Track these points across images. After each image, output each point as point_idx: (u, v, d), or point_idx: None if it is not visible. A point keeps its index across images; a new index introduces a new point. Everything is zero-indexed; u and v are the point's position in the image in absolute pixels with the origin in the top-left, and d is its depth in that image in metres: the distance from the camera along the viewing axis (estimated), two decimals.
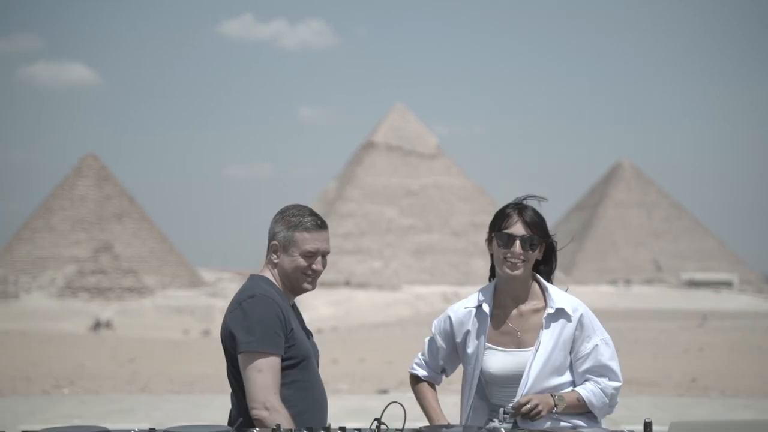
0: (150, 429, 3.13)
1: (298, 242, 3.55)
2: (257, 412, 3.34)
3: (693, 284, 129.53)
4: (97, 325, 63.85)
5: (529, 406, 3.45)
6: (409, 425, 3.42)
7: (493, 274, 3.76)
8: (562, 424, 3.50)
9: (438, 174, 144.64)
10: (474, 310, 3.69)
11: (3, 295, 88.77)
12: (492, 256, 3.68)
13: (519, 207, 3.66)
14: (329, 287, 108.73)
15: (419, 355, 3.91)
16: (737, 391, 16.68)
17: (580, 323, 3.57)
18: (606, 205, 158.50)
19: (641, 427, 3.27)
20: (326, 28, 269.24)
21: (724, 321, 53.10)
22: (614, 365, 3.58)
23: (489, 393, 3.66)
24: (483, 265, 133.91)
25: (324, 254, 3.60)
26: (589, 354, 3.57)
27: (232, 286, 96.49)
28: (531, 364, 3.54)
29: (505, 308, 3.65)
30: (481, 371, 3.63)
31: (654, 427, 3.22)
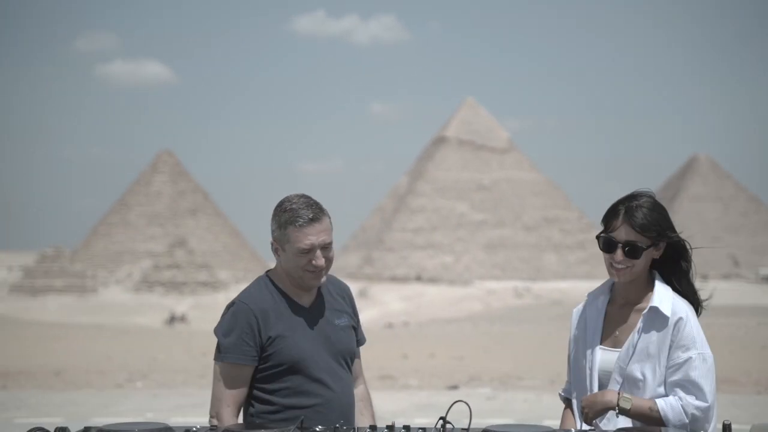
0: (211, 427, 3.09)
1: (291, 240, 3.37)
2: (209, 420, 3.40)
3: None
4: (172, 319, 64.74)
5: (582, 404, 3.31)
6: (475, 423, 3.29)
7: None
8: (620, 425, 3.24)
9: (509, 168, 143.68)
10: (592, 303, 3.50)
11: (81, 289, 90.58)
12: None
13: (628, 206, 3.32)
14: (401, 282, 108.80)
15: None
16: None
17: (678, 329, 3.26)
18: (682, 198, 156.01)
19: (720, 427, 3.11)
20: (397, 23, 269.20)
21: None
22: (705, 384, 3.23)
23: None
24: (555, 260, 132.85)
25: (323, 247, 3.40)
26: (680, 365, 3.25)
27: None
28: (622, 364, 3.30)
29: (615, 305, 3.44)
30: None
31: (734, 427, 3.03)
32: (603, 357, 3.37)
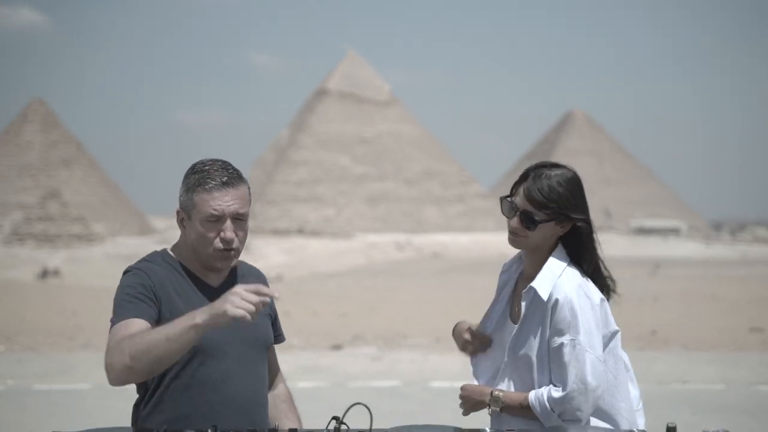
0: None
1: (198, 206, 2.82)
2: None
3: (642, 231, 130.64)
4: (45, 273, 62.69)
5: (461, 394, 3.13)
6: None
7: None
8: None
9: (391, 121, 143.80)
10: (511, 269, 3.25)
11: None
12: None
13: (536, 173, 3.06)
14: (282, 235, 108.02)
15: None
16: (698, 343, 16.42)
17: (555, 311, 2.98)
18: (557, 153, 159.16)
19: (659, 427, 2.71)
20: None
21: (675, 269, 53.25)
22: (570, 373, 2.93)
23: None
24: (435, 213, 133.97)
25: (235, 217, 2.83)
26: (554, 350, 2.98)
27: None
28: (512, 344, 3.07)
29: (522, 278, 3.17)
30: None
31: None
32: (508, 331, 3.12)
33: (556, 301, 2.97)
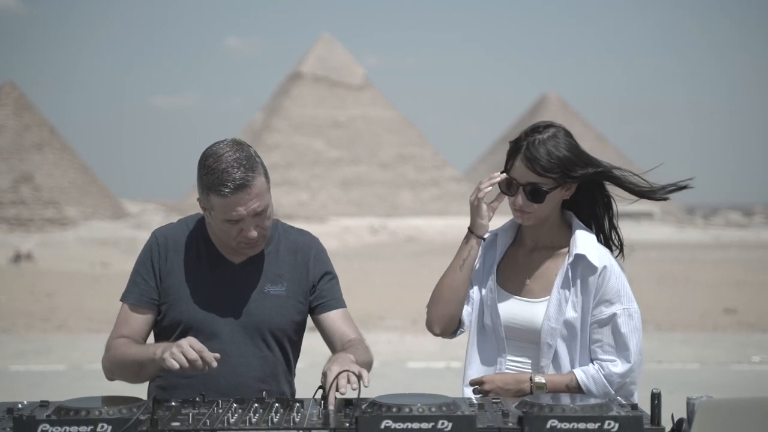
0: (41, 402, 2.50)
1: (216, 208, 2.76)
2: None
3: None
4: (18, 257, 62.24)
5: (486, 388, 2.84)
6: (363, 395, 2.83)
7: None
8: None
9: (365, 105, 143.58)
10: (495, 237, 2.98)
11: None
12: None
13: (529, 141, 2.80)
14: None
15: None
16: (672, 324, 16.57)
17: (604, 280, 2.80)
18: None
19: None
20: None
21: (649, 252, 53.57)
22: (631, 344, 2.79)
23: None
24: (409, 197, 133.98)
25: (255, 214, 2.76)
26: (604, 322, 2.81)
27: (156, 218, 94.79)
28: (554, 324, 2.82)
29: (524, 248, 2.95)
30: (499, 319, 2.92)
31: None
32: (511, 307, 2.88)
33: (605, 268, 2.80)
